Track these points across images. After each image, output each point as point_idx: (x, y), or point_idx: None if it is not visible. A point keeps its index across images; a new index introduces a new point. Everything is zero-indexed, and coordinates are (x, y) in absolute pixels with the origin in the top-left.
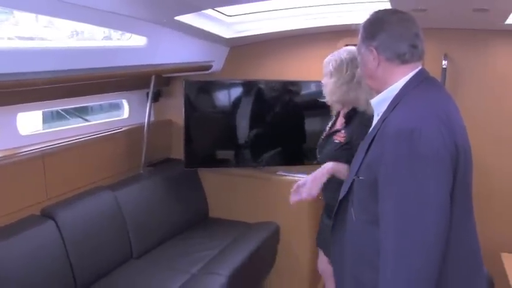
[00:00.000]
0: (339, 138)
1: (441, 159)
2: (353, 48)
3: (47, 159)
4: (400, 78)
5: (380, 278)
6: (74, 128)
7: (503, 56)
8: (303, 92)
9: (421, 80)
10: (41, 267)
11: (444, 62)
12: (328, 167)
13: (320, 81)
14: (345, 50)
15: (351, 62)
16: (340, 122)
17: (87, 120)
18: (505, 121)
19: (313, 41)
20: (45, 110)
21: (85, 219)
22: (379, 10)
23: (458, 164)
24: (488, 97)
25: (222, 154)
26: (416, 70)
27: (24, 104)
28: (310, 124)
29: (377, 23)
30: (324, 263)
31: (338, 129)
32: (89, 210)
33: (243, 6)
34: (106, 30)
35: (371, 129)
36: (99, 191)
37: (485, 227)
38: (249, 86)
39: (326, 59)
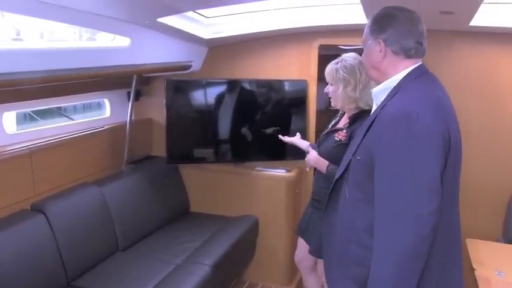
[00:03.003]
0: (340, 136)
1: (435, 140)
2: (354, 53)
3: (34, 157)
4: (401, 71)
5: (374, 253)
6: (58, 127)
7: (467, 55)
8: (280, 90)
9: (420, 73)
10: (32, 260)
11: None
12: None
13: (298, 80)
14: (348, 56)
15: (361, 65)
16: (344, 121)
17: (71, 119)
18: (470, 116)
19: (289, 42)
20: (31, 109)
21: (74, 213)
22: (389, 6)
23: (450, 149)
24: (454, 94)
25: (202, 151)
26: (417, 65)
27: (9, 104)
28: (287, 121)
29: (387, 18)
30: (301, 254)
31: (340, 128)
32: (77, 204)
33: (221, 8)
34: (77, 30)
35: (370, 115)
36: (86, 186)
37: None
38: (228, 85)
39: (330, 67)
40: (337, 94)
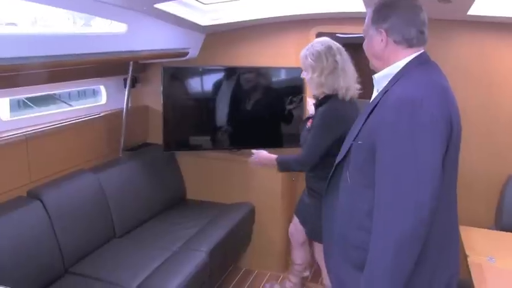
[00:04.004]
0: (310, 123)
1: (438, 127)
2: (325, 38)
3: (30, 143)
4: (404, 58)
5: (372, 236)
6: (53, 114)
7: (465, 45)
8: (277, 77)
9: (423, 61)
10: (29, 246)
11: None
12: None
13: (295, 68)
14: (317, 42)
15: (328, 51)
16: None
17: (69, 105)
18: (467, 106)
19: (286, 29)
20: (25, 96)
21: (70, 200)
22: None
23: (451, 136)
24: (451, 83)
25: (199, 138)
26: (419, 52)
27: (3, 90)
28: (284, 109)
29: (389, 6)
30: (294, 229)
31: (311, 116)
32: (73, 191)
33: None
34: (70, 16)
35: (371, 100)
36: (83, 173)
37: None
38: (225, 72)
39: (301, 54)
40: (311, 81)
